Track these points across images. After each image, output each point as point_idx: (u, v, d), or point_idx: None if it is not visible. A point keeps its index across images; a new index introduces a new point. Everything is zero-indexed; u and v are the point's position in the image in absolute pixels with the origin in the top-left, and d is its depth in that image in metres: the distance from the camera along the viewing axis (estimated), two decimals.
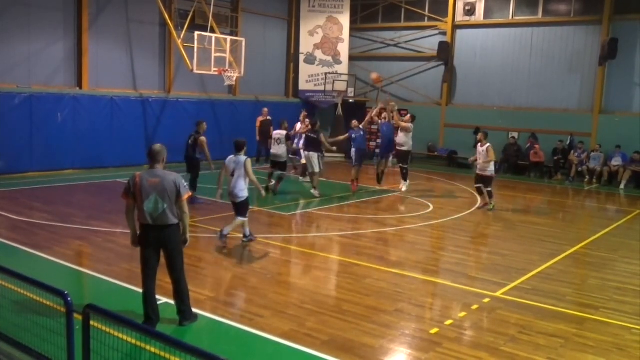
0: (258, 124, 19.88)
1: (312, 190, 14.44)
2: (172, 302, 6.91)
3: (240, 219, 9.52)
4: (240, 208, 9.48)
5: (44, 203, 12.53)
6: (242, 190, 9.32)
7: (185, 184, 6.04)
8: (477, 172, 13.88)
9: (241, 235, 9.75)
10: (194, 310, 6.56)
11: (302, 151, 15.37)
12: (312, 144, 14.56)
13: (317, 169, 14.51)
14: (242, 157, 9.33)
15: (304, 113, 18.04)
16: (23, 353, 5.21)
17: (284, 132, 14.70)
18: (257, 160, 19.45)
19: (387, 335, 6.24)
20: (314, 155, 14.49)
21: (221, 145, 20.66)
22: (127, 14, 18.79)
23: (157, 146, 6.08)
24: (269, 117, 18.12)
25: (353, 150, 15.44)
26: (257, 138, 19.75)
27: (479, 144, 13.77)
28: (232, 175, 9.34)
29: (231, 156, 9.50)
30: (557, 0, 21.05)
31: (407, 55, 24.29)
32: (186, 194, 5.98)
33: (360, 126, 15.60)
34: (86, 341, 4.28)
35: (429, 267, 9.11)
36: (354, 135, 15.35)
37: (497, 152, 21.35)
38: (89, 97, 17.60)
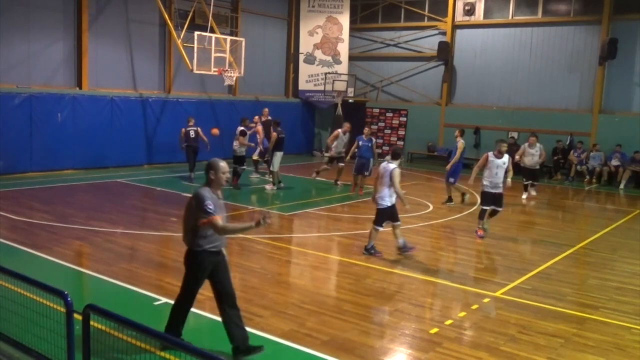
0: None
1: (268, 186, 15.46)
2: (172, 302, 6.93)
3: (377, 227, 9.34)
4: (377, 215, 9.29)
5: (44, 203, 12.53)
6: (384, 197, 9.15)
7: (211, 207, 5.17)
8: (491, 190, 10.89)
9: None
10: (196, 310, 6.56)
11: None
12: (280, 144, 15.32)
13: (276, 168, 15.33)
14: (392, 165, 9.13)
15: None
16: (23, 353, 5.21)
17: (240, 128, 15.65)
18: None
19: (387, 335, 6.24)
20: (279, 154, 15.31)
21: (221, 145, 20.73)
22: (127, 14, 18.79)
23: (211, 161, 5.45)
24: (269, 118, 18.14)
25: (357, 159, 15.16)
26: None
27: (497, 154, 10.84)
28: (381, 182, 9.24)
29: (384, 162, 9.39)
30: (556, 0, 21.06)
31: (406, 55, 24.30)
32: (207, 219, 5.18)
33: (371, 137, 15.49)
34: (86, 341, 4.28)
35: (429, 267, 9.11)
36: (360, 143, 15.08)
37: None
38: (89, 97, 17.60)
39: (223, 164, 5.38)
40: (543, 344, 6.15)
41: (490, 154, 10.89)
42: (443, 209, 13.74)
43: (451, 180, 14.28)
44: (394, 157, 9.39)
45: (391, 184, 9.08)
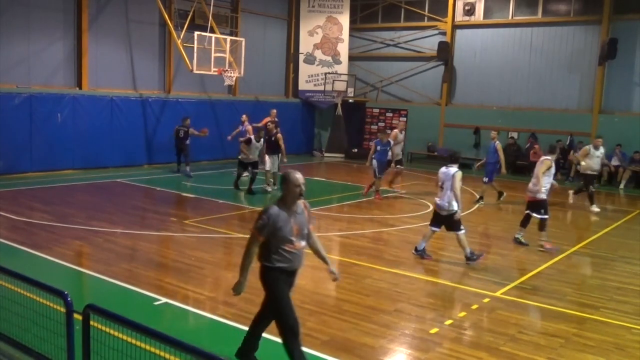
0: (263, 124, 19.50)
1: (269, 188, 15.05)
2: (172, 302, 6.94)
3: (459, 234, 9.06)
4: (450, 221, 9.06)
5: (44, 203, 12.53)
6: (450, 202, 8.95)
7: (261, 223, 4.85)
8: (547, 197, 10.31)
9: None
10: (196, 310, 6.57)
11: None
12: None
13: (277, 169, 15.02)
14: (453, 169, 8.95)
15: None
16: (23, 353, 5.21)
17: (249, 136, 15.28)
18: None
19: (387, 335, 6.24)
20: (276, 157, 15.00)
21: (222, 145, 20.73)
22: (127, 14, 18.79)
23: (284, 173, 5.10)
24: (276, 119, 18.21)
25: (375, 161, 14.71)
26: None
27: (555, 159, 10.35)
28: (442, 186, 9.01)
29: (443, 167, 9.18)
30: (556, 0, 21.06)
31: (406, 55, 24.30)
32: (252, 228, 4.96)
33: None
34: (86, 341, 4.28)
35: (429, 267, 9.11)
36: (379, 148, 14.65)
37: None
38: (89, 97, 17.60)
39: (296, 176, 4.89)
40: (543, 344, 6.14)
41: (551, 159, 10.18)
42: None
43: (485, 179, 14.62)
44: (454, 160, 9.17)
45: (451, 187, 8.87)
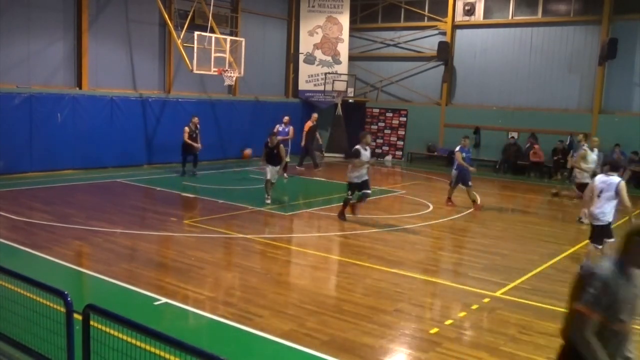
0: (307, 128, 19.36)
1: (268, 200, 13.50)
2: (172, 302, 6.94)
3: (595, 246, 8.56)
4: (601, 231, 8.51)
5: (44, 203, 12.52)
6: (607, 213, 8.42)
7: (591, 292, 3.45)
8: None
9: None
10: (196, 310, 6.56)
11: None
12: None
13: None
14: (616, 179, 8.39)
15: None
16: (23, 353, 5.21)
17: (355, 147, 12.62)
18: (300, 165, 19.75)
19: (387, 335, 6.24)
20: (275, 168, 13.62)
21: (221, 145, 20.74)
22: (127, 14, 18.79)
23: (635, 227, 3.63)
24: (315, 123, 18.31)
25: (454, 171, 13.82)
26: (303, 143, 19.46)
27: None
28: (599, 195, 8.45)
29: (601, 175, 8.67)
30: (556, 0, 21.06)
31: (406, 55, 24.30)
32: (579, 307, 3.58)
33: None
34: (86, 341, 4.28)
35: (429, 267, 9.11)
36: (464, 155, 13.70)
37: (497, 151, 21.57)
38: (89, 97, 17.60)
39: None
40: (543, 344, 6.15)
41: None
42: (443, 208, 13.72)
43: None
44: (615, 169, 8.68)
45: (617, 198, 8.42)
